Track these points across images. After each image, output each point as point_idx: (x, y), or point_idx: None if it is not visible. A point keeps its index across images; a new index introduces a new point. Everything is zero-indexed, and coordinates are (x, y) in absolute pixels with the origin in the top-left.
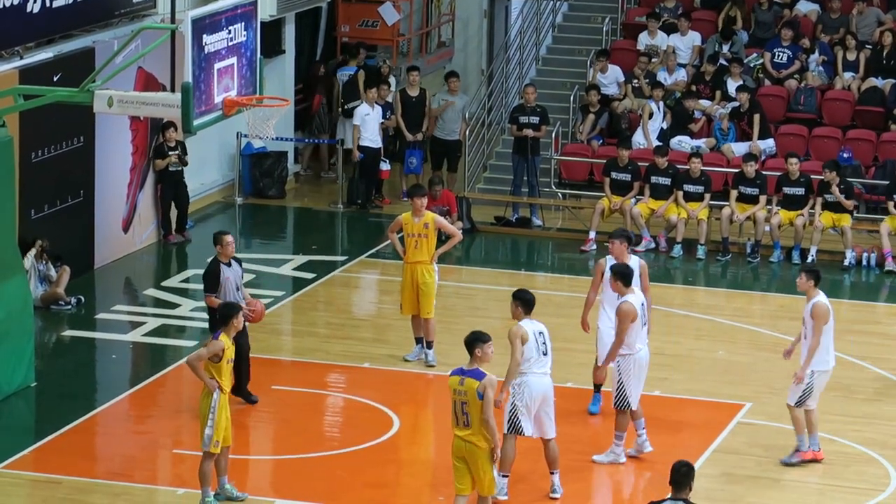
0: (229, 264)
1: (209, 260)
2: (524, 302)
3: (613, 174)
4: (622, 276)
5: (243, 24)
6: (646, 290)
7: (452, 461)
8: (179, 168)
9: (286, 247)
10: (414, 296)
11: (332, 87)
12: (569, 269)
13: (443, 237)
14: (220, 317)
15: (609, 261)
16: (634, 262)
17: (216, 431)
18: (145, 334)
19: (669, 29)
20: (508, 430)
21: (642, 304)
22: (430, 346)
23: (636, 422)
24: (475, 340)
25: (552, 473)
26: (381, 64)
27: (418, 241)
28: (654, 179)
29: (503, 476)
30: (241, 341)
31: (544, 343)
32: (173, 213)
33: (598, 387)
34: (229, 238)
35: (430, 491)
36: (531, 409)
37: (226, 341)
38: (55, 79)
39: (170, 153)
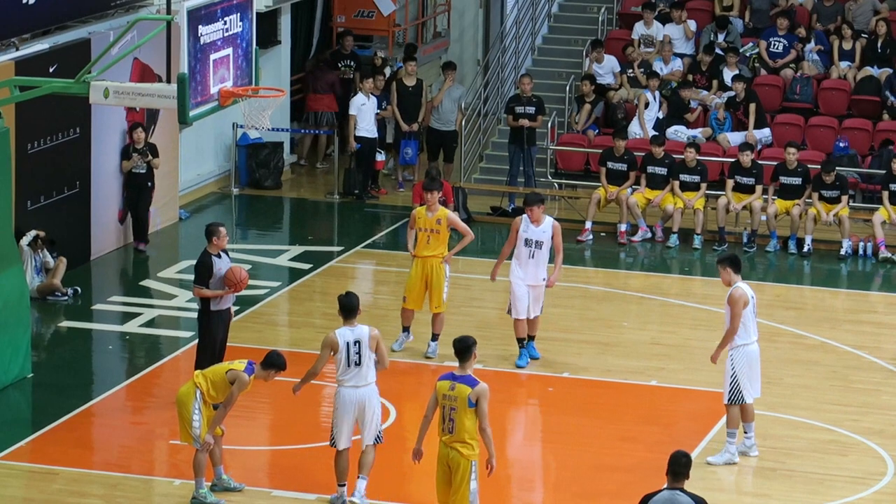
0: (219, 256)
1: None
2: (342, 307)
3: (609, 164)
4: (732, 263)
5: (239, 14)
6: (557, 249)
7: (436, 467)
8: (143, 172)
9: (282, 237)
10: (422, 290)
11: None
12: (565, 259)
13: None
14: (267, 362)
15: (525, 220)
16: (548, 222)
17: (203, 429)
18: (141, 325)
19: (665, 19)
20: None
21: (752, 296)
22: (435, 338)
23: (747, 423)
24: (473, 346)
25: (360, 478)
26: (375, 54)
27: (430, 236)
28: (650, 169)
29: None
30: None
31: (357, 353)
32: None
33: (521, 340)
34: (225, 230)
35: (427, 481)
36: (350, 420)
37: (252, 381)
38: (51, 70)
39: (134, 154)
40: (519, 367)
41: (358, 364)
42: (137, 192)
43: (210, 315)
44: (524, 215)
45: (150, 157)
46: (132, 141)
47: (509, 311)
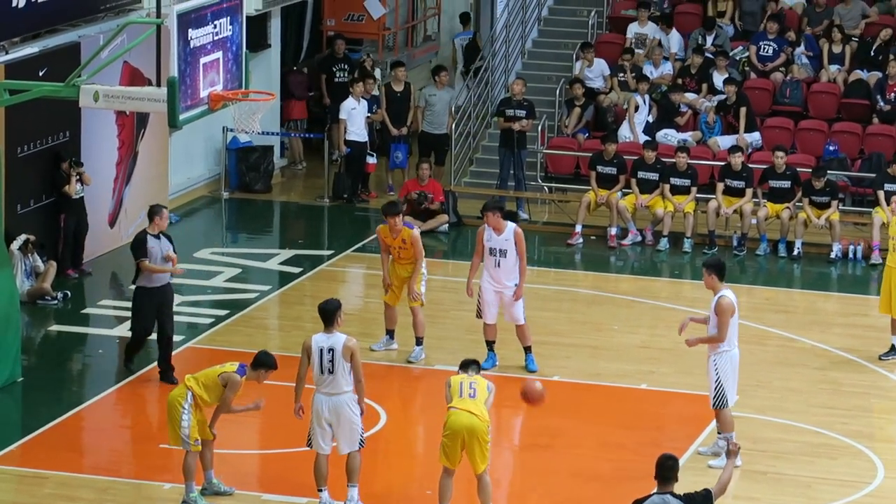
0: (158, 237)
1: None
2: (319, 312)
3: (599, 168)
4: (717, 269)
5: (229, 18)
6: (521, 256)
7: (442, 439)
8: (82, 196)
9: (272, 241)
10: (400, 288)
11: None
12: (555, 263)
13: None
14: (257, 362)
15: (487, 229)
16: (510, 230)
17: (192, 431)
18: (131, 329)
19: (656, 21)
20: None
21: (735, 301)
22: (419, 342)
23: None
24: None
25: (350, 486)
26: (366, 58)
27: (400, 251)
28: (641, 175)
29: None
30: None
31: (331, 361)
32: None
33: (490, 343)
34: (166, 212)
35: (417, 485)
36: (323, 425)
37: (243, 382)
38: (41, 73)
39: (72, 173)
40: (483, 368)
41: (331, 372)
42: (77, 216)
43: (138, 291)
44: (485, 224)
45: (82, 167)
46: (62, 170)
47: (478, 315)
